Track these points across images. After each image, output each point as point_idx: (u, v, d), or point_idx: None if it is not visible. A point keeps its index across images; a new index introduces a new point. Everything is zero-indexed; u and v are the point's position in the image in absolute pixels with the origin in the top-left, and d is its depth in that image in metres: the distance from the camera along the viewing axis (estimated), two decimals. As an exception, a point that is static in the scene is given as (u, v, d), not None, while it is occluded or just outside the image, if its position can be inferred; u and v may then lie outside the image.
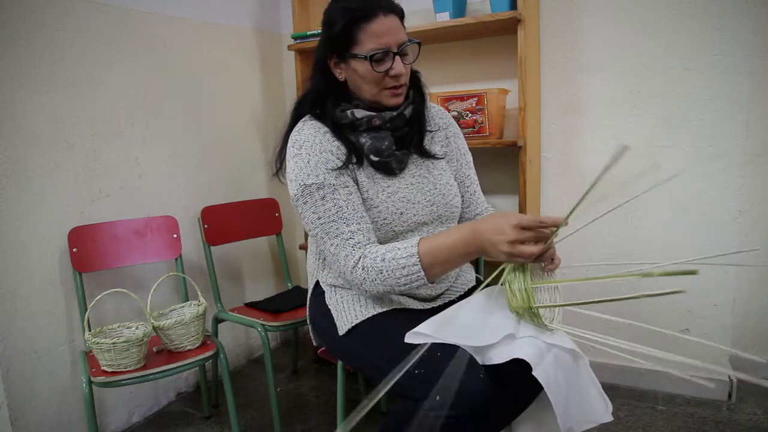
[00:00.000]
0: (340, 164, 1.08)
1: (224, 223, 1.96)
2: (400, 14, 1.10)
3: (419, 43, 1.12)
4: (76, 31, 1.61)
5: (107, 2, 1.68)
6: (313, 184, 1.06)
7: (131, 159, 1.79)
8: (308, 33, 2.01)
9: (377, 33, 1.05)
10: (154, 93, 1.85)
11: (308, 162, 1.07)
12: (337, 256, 1.07)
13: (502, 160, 1.95)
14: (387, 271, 1.01)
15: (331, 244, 1.07)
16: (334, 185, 1.07)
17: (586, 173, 1.88)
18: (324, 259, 1.24)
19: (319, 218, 1.07)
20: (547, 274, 1.03)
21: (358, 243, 1.05)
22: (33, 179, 1.53)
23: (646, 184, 0.83)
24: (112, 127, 1.72)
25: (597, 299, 0.87)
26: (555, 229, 0.93)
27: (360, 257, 1.04)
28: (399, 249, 1.01)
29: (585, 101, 1.85)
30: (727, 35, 1.61)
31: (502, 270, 1.02)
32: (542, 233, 0.92)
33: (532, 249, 0.90)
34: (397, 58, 1.07)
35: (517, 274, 0.97)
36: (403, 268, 1.00)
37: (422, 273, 0.99)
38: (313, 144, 1.09)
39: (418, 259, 0.99)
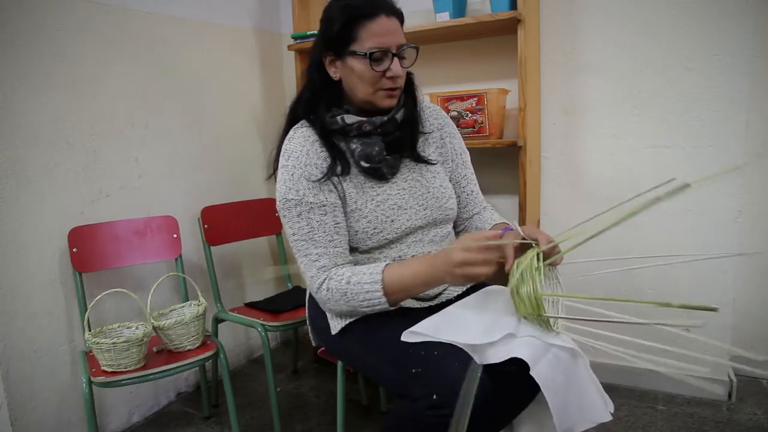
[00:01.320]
0: (321, 176, 1.08)
1: (224, 223, 1.96)
2: (400, 18, 1.11)
3: (417, 48, 1.12)
4: (76, 31, 1.61)
5: (107, 2, 1.68)
6: (292, 199, 1.08)
7: (131, 159, 1.79)
8: (308, 33, 2.01)
9: (378, 32, 1.05)
10: (154, 93, 1.85)
11: (292, 175, 1.08)
12: (305, 273, 1.11)
13: (502, 160, 1.95)
14: (351, 293, 1.04)
15: (301, 262, 1.11)
16: (310, 204, 1.08)
17: (586, 173, 1.88)
18: None
19: (293, 234, 1.10)
20: (549, 268, 1.03)
21: (323, 266, 1.08)
22: (33, 179, 1.53)
23: (650, 193, 0.84)
24: (112, 127, 1.72)
25: (606, 319, 0.88)
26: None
27: (325, 279, 1.07)
28: (364, 274, 1.04)
29: (585, 101, 1.85)
30: (727, 35, 1.61)
31: (505, 274, 1.01)
32: (490, 253, 0.95)
33: (481, 270, 0.94)
34: (396, 59, 1.07)
35: (525, 278, 0.96)
36: (367, 292, 1.03)
37: (384, 299, 1.03)
38: (300, 155, 1.09)
39: (381, 286, 1.02)
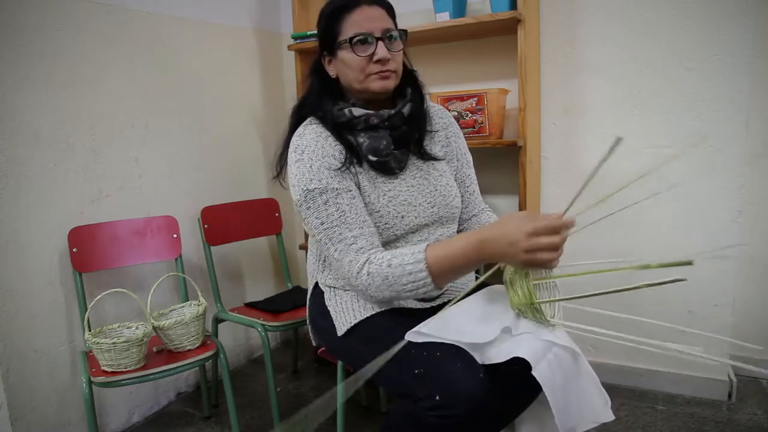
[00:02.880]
0: (340, 165, 1.08)
1: (224, 223, 1.96)
2: (385, 6, 1.11)
3: (405, 31, 1.12)
4: (76, 31, 1.61)
5: (107, 2, 1.68)
6: (315, 188, 1.06)
7: (131, 159, 1.79)
8: (308, 33, 2.01)
9: (358, 21, 1.07)
10: (154, 93, 1.85)
11: (310, 167, 1.07)
12: (341, 261, 1.06)
13: (502, 160, 1.95)
14: (393, 276, 0.99)
15: (335, 250, 1.06)
16: (337, 189, 1.06)
17: (586, 173, 1.88)
18: (324, 260, 1.24)
19: (322, 223, 1.06)
20: (546, 270, 1.03)
21: (362, 248, 1.04)
22: (33, 179, 1.53)
23: (648, 188, 0.84)
24: (112, 127, 1.72)
25: (596, 292, 0.87)
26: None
27: (365, 262, 1.02)
28: (406, 255, 0.99)
29: (585, 101, 1.85)
30: (727, 35, 1.61)
31: (500, 269, 1.02)
32: (557, 231, 0.88)
33: (550, 255, 0.87)
34: (381, 43, 1.07)
35: (518, 271, 0.97)
36: (410, 274, 0.97)
37: (429, 279, 0.97)
38: (315, 148, 1.08)
39: (425, 265, 0.96)
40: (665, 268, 0.76)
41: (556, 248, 0.88)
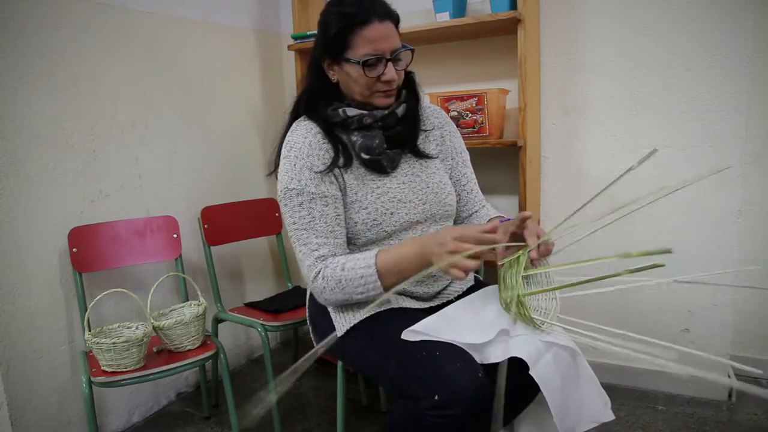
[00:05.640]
0: (324, 168, 1.09)
1: (224, 223, 1.96)
2: (395, 20, 1.11)
3: (412, 50, 1.13)
4: (76, 31, 1.61)
5: (107, 2, 1.68)
6: (294, 188, 1.09)
7: (131, 159, 1.79)
8: (308, 33, 2.01)
9: (371, 38, 1.06)
10: (154, 93, 1.85)
11: (294, 165, 1.09)
12: (302, 262, 1.11)
13: (502, 160, 1.95)
14: (346, 280, 1.05)
15: (299, 251, 1.11)
16: (312, 194, 1.08)
17: (586, 173, 1.88)
18: None
19: (294, 223, 1.11)
20: (541, 262, 1.03)
21: (322, 256, 1.09)
22: (33, 179, 1.53)
23: (649, 190, 0.84)
24: (112, 127, 1.72)
25: (580, 280, 0.90)
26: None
27: (322, 269, 1.08)
28: (359, 260, 1.05)
29: (585, 101, 1.85)
30: (727, 35, 1.61)
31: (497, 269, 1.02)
32: (482, 243, 0.92)
33: (468, 262, 0.91)
34: (390, 64, 1.08)
35: (512, 265, 0.98)
36: (361, 277, 1.03)
37: (379, 282, 1.03)
38: (302, 147, 1.10)
39: (375, 269, 1.02)
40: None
41: (477, 257, 0.92)
